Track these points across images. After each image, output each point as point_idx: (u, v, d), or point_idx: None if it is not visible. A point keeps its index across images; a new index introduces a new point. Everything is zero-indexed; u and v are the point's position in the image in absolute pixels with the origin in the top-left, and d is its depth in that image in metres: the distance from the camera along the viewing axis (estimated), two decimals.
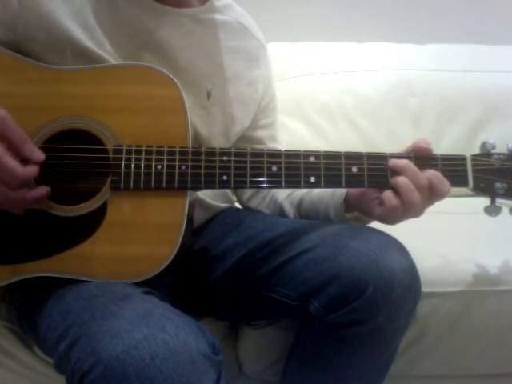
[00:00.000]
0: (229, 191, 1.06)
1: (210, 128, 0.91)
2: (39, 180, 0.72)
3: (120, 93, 0.76)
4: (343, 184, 0.76)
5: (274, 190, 1.00)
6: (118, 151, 0.74)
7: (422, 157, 0.77)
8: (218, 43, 0.92)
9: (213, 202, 0.99)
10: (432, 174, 0.75)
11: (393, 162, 0.76)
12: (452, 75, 1.52)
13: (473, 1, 1.76)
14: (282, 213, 0.98)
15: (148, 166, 0.74)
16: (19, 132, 0.69)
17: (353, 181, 0.76)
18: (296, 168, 0.75)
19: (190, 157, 0.74)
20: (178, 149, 0.74)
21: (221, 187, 0.77)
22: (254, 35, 0.99)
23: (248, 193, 1.04)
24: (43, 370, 0.93)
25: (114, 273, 0.73)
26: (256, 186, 0.76)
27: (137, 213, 0.74)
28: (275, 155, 0.76)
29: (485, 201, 0.80)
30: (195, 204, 0.92)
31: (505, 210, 0.79)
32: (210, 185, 0.75)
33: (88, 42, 0.80)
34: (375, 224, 0.83)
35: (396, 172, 0.75)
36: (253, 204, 1.03)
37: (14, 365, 0.92)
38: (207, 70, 0.90)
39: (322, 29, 1.67)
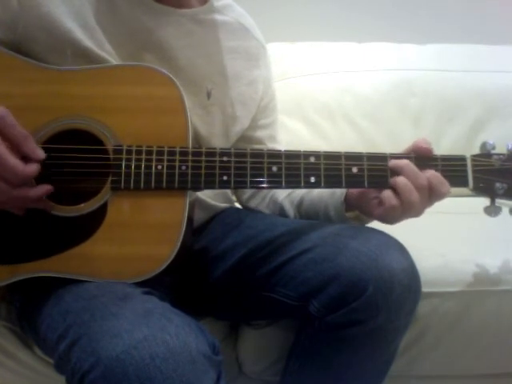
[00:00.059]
0: (229, 191, 1.06)
1: (210, 128, 0.91)
2: (39, 180, 0.72)
3: (120, 93, 0.76)
4: (343, 184, 0.76)
5: (274, 190, 1.00)
6: (118, 151, 0.74)
7: (422, 157, 0.77)
8: (218, 43, 0.93)
9: (213, 202, 0.99)
10: (432, 174, 0.75)
11: (393, 162, 0.76)
12: (452, 75, 1.51)
13: (473, 1, 1.76)
14: (282, 212, 0.98)
15: (148, 167, 0.74)
16: (20, 130, 0.69)
17: (353, 181, 0.76)
18: (296, 168, 0.75)
19: (190, 157, 0.74)
20: (178, 149, 0.74)
21: (221, 187, 0.77)
22: (254, 35, 0.99)
23: (248, 193, 1.04)
24: (43, 370, 0.92)
25: (114, 273, 0.73)
26: (256, 186, 0.76)
27: (137, 213, 0.74)
28: (275, 155, 0.76)
29: (485, 201, 0.80)
30: (195, 204, 0.92)
31: (505, 210, 0.79)
32: (210, 185, 0.75)
33: (88, 42, 0.80)
34: (375, 224, 0.84)
35: (396, 172, 0.76)
36: (253, 204, 1.03)
37: (14, 365, 0.92)
38: (207, 70, 0.90)
39: (322, 29, 1.67)
